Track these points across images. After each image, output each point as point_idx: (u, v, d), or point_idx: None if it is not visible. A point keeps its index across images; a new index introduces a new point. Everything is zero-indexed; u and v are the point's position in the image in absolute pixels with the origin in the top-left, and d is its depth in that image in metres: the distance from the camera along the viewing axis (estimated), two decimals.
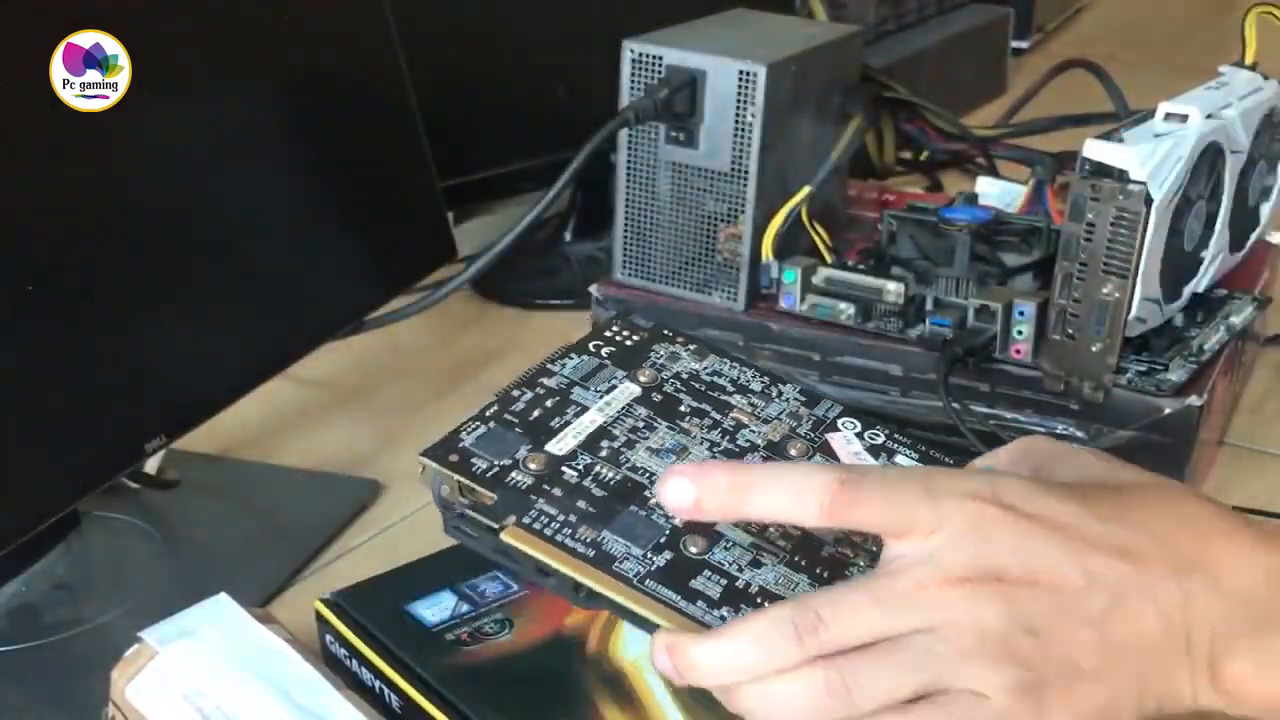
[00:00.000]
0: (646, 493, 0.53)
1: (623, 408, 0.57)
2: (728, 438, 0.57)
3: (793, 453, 0.58)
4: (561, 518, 0.50)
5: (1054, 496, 0.46)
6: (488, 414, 0.55)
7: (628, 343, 0.62)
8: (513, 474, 0.52)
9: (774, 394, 0.61)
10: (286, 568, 0.70)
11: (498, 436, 0.54)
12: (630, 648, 0.55)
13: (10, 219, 0.60)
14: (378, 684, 0.56)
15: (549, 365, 0.59)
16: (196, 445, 0.77)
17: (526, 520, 0.50)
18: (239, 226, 0.73)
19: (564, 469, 0.53)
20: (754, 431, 0.58)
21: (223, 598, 0.55)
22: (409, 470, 0.81)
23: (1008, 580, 0.44)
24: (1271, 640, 0.46)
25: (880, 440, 0.60)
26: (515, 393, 0.57)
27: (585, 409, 0.56)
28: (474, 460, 0.53)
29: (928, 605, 0.44)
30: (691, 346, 0.63)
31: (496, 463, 0.53)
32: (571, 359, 0.60)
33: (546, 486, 0.52)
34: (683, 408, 0.58)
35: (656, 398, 0.59)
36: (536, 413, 0.56)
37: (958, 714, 0.43)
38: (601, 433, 0.55)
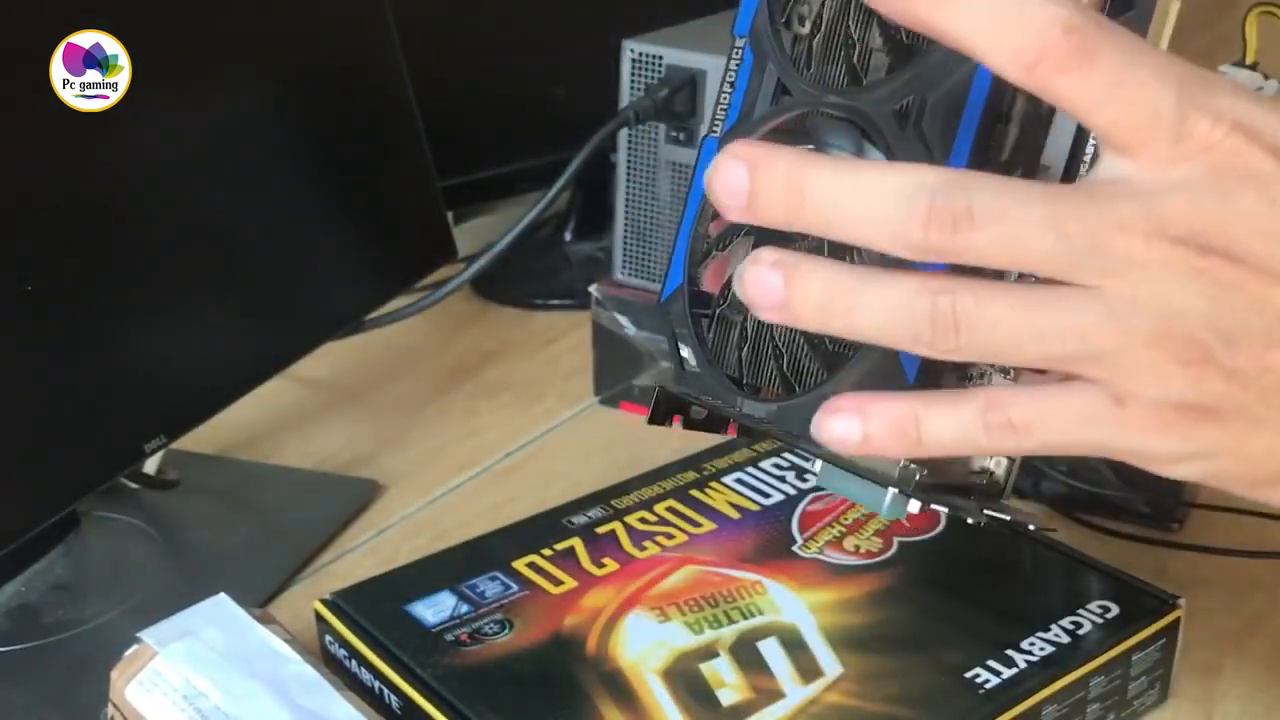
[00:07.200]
0: None
1: None
2: None
3: None
4: None
5: None
6: None
7: None
8: None
9: None
10: (286, 568, 0.70)
11: None
12: (630, 648, 0.55)
13: (10, 218, 0.60)
14: (377, 684, 0.56)
15: None
16: (196, 445, 0.77)
17: None
18: (239, 226, 0.73)
19: None
20: None
21: (222, 598, 0.55)
22: (408, 470, 0.81)
23: (1233, 264, 0.31)
24: None
25: None
26: None
27: None
28: None
29: (1118, 257, 0.31)
30: None
31: None
32: None
33: None
34: None
35: None
36: None
37: (1087, 416, 0.33)
38: None
